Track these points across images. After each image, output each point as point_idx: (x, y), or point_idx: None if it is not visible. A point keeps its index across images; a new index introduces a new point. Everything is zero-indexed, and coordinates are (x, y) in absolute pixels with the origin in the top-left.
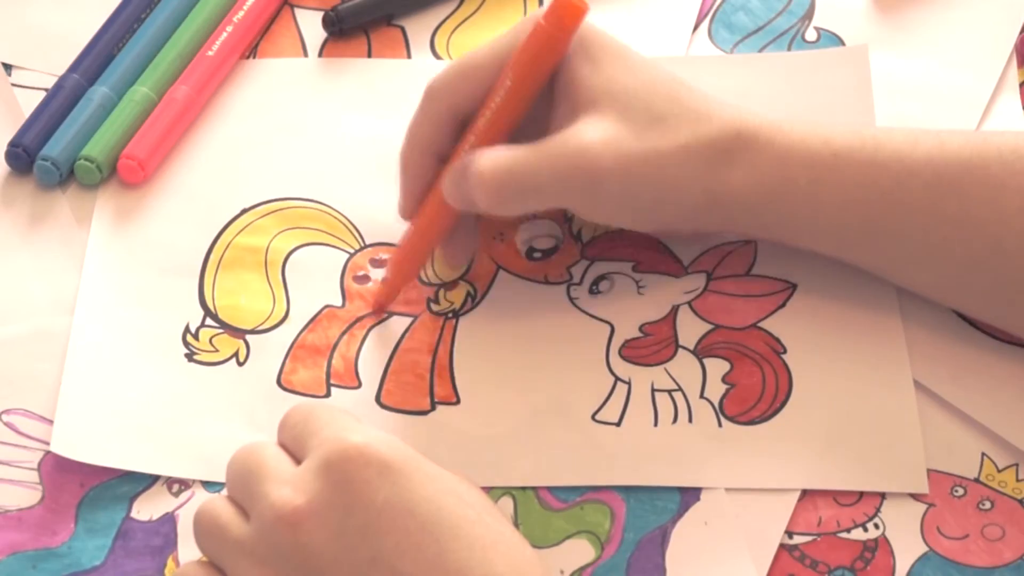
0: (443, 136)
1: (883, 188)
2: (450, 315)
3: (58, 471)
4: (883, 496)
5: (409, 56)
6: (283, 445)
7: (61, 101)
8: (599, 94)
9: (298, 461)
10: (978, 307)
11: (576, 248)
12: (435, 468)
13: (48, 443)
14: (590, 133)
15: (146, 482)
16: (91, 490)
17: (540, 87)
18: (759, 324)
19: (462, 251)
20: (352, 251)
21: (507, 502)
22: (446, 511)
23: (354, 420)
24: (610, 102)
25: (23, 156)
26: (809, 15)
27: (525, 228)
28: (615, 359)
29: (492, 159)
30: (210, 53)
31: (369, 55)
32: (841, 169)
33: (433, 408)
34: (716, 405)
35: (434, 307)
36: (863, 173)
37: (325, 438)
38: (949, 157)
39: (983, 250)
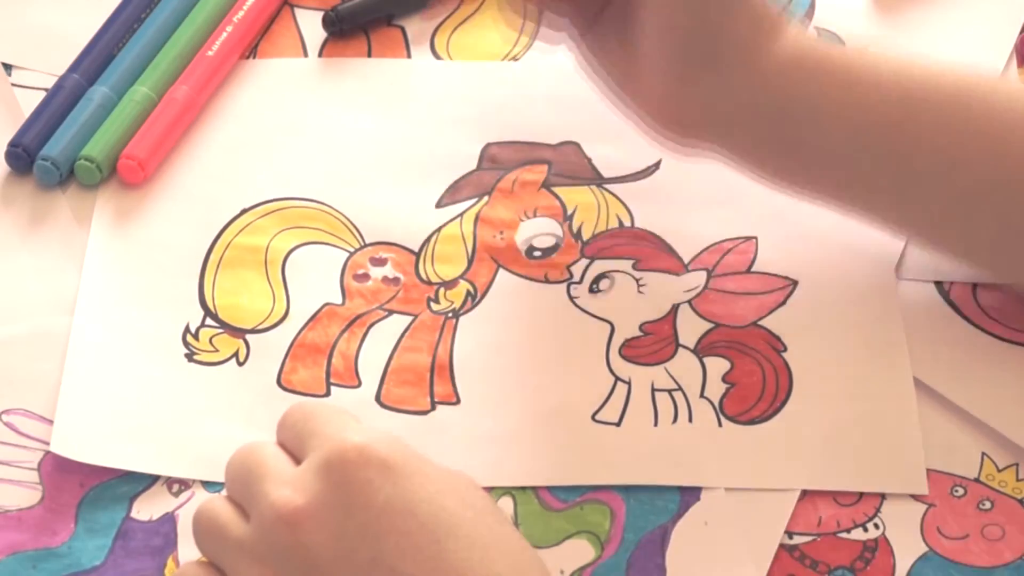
0: None
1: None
2: (450, 314)
3: (58, 471)
4: (883, 496)
5: (409, 56)
6: (282, 445)
7: (61, 101)
8: None
9: (298, 461)
10: (968, 252)
11: (576, 247)
12: (436, 467)
13: (48, 443)
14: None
15: (146, 482)
16: (91, 490)
17: None
18: (759, 322)
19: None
20: (352, 250)
21: (507, 502)
22: (446, 511)
23: (354, 419)
24: None
25: (23, 156)
26: (809, 15)
27: (525, 227)
28: (615, 359)
29: None
30: (210, 53)
31: (369, 55)
32: (859, 81)
33: (433, 408)
34: (716, 405)
35: (434, 306)
36: (878, 86)
37: (325, 438)
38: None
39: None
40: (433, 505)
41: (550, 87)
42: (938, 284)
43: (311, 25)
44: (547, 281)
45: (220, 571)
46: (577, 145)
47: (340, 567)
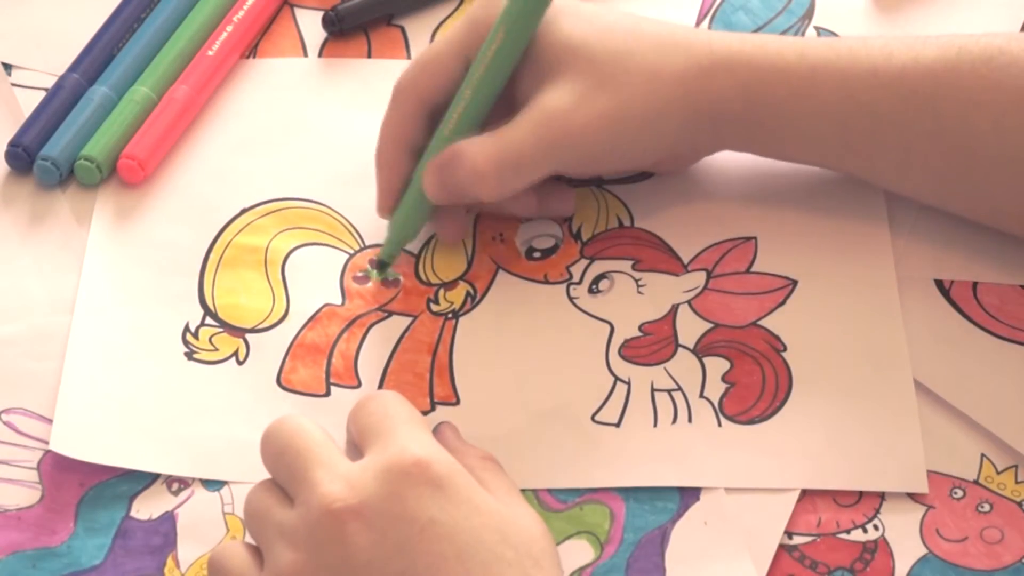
0: (416, 131)
1: (859, 101)
2: (450, 315)
3: (57, 470)
4: (883, 497)
5: (409, 56)
6: (348, 428)
7: (61, 101)
8: (560, 52)
9: (354, 449)
10: (964, 211)
11: (575, 247)
12: (487, 501)
13: (47, 442)
14: (561, 97)
15: (145, 481)
16: (90, 489)
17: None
18: (759, 322)
19: (454, 228)
20: (352, 251)
21: None
22: (484, 546)
23: (424, 427)
24: (572, 57)
25: (23, 156)
26: (809, 15)
27: (524, 228)
28: (615, 359)
29: (481, 150)
30: (210, 53)
31: (369, 55)
32: (817, 83)
33: (433, 408)
34: (716, 404)
35: (434, 307)
36: (839, 87)
37: (393, 442)
38: (923, 71)
39: (961, 163)
40: (472, 536)
41: None
42: (939, 283)
43: (311, 25)
44: (546, 281)
45: (258, 551)
46: None
47: (371, 571)
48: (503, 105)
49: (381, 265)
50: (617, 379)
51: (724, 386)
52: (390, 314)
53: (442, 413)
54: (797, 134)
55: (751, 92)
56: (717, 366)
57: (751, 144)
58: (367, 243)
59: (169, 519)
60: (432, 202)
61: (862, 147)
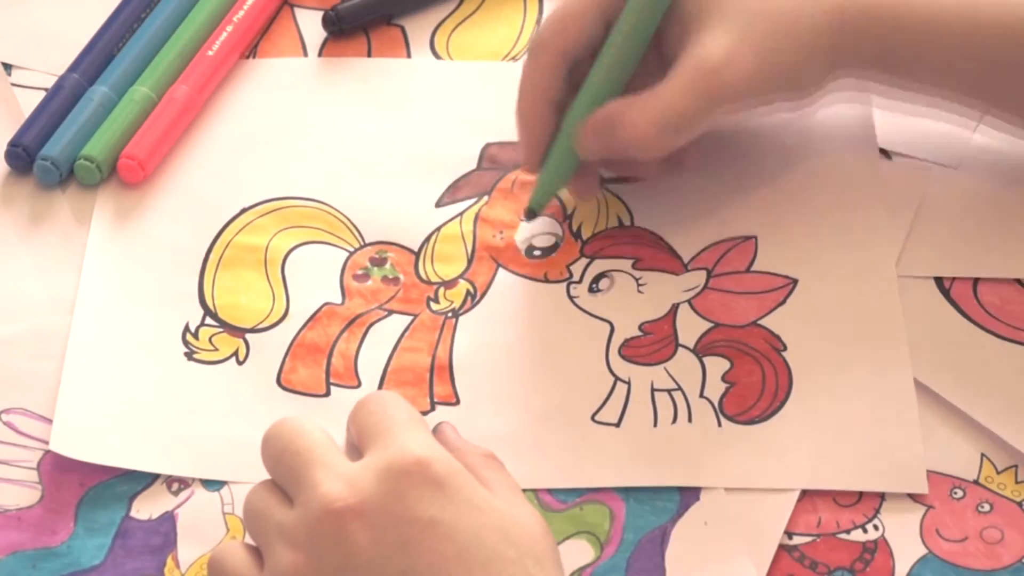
0: (558, 84)
1: (988, 43)
2: (450, 314)
3: (57, 470)
4: (882, 497)
5: (409, 56)
6: (347, 428)
7: (61, 101)
8: (709, 1)
9: (354, 449)
10: None
11: (576, 246)
12: (488, 500)
13: (47, 442)
14: (711, 53)
15: (145, 481)
16: (90, 489)
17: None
18: (759, 321)
19: (588, 183)
20: (352, 250)
21: None
22: (485, 545)
23: (424, 427)
24: (717, 6)
25: (23, 156)
26: None
27: (524, 227)
28: (615, 358)
29: (642, 112)
30: (210, 53)
31: (369, 55)
32: (950, 25)
33: (433, 408)
34: (716, 404)
35: (434, 306)
36: (970, 28)
37: (393, 441)
38: None
39: None
40: (474, 536)
41: None
42: (939, 282)
43: (311, 25)
44: (547, 280)
45: (258, 552)
46: None
47: (372, 571)
48: (649, 54)
49: (531, 214)
50: (617, 379)
51: (724, 386)
52: (390, 313)
53: (442, 413)
54: (932, 74)
55: (885, 37)
56: (717, 366)
57: (887, 83)
58: (367, 241)
59: (169, 519)
60: (583, 158)
61: (996, 84)
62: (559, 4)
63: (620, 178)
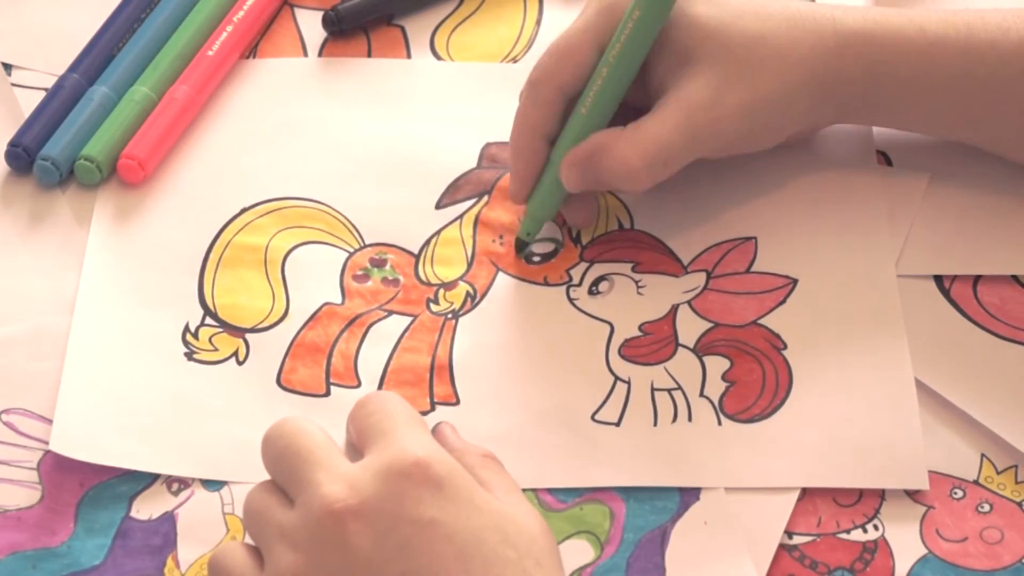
0: (553, 120)
1: (979, 77)
2: (450, 315)
3: (57, 470)
4: (883, 497)
5: (409, 56)
6: (347, 429)
7: (61, 101)
8: (695, 36)
9: (354, 449)
10: None
11: (575, 251)
12: (488, 500)
13: (47, 442)
14: (700, 89)
15: (145, 481)
16: (90, 489)
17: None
18: (759, 321)
19: (585, 211)
20: (352, 250)
21: None
22: (485, 546)
23: (424, 427)
24: (707, 43)
25: (23, 156)
26: None
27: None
28: (615, 358)
29: (630, 145)
30: (210, 53)
31: (369, 55)
32: (936, 59)
33: (433, 408)
34: (716, 403)
35: (434, 307)
36: (958, 63)
37: (393, 442)
38: None
39: None
40: (473, 537)
41: None
42: (939, 282)
43: (311, 25)
44: (546, 284)
45: (258, 553)
46: None
47: (371, 572)
48: (636, 87)
49: (521, 245)
50: (617, 379)
51: (724, 385)
52: (390, 313)
53: (442, 413)
54: (919, 109)
55: (874, 71)
56: (717, 365)
57: (874, 118)
58: (367, 241)
59: (169, 519)
60: (568, 191)
61: (983, 119)
62: (557, 38)
63: None
